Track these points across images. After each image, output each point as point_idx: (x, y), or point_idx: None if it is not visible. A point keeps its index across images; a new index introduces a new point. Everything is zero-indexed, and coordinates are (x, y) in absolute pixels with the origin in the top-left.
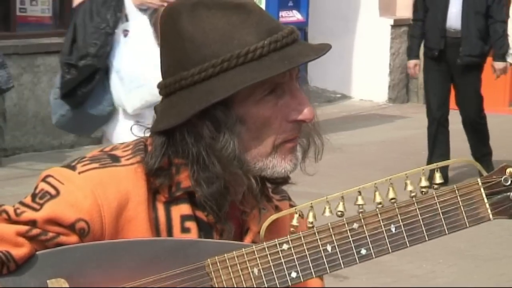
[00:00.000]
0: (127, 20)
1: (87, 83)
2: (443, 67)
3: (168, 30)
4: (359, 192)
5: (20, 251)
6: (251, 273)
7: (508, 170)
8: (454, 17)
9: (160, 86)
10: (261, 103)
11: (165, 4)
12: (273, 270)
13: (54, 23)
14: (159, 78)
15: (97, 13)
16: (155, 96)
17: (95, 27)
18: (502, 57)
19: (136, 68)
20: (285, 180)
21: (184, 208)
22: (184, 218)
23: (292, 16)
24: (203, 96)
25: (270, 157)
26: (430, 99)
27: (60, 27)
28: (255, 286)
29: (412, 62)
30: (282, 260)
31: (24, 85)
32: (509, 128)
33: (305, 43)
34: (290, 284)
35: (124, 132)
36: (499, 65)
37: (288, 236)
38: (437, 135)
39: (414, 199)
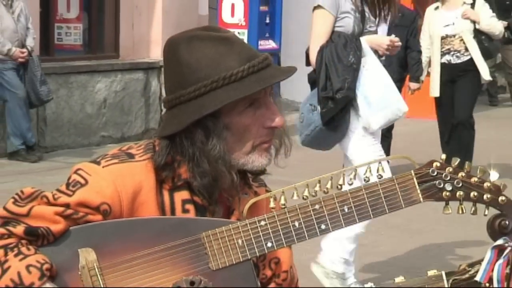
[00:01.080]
0: (363, 55)
1: (341, 110)
2: None
3: (169, 57)
4: (319, 181)
5: (57, 227)
6: (236, 243)
7: (434, 164)
8: None
9: (164, 101)
10: (243, 114)
11: (388, 52)
12: (253, 241)
13: (84, 50)
14: (399, 100)
15: (342, 54)
16: (395, 115)
17: (344, 65)
18: (417, 79)
19: (379, 93)
20: (262, 171)
21: (184, 194)
22: (184, 201)
23: (268, 44)
24: (197, 110)
25: (250, 154)
26: None
27: (88, 53)
28: (239, 253)
29: None
30: (260, 233)
31: (60, 97)
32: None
33: (277, 66)
34: (266, 251)
35: (361, 145)
36: (414, 85)
37: (265, 215)
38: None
39: (362, 186)
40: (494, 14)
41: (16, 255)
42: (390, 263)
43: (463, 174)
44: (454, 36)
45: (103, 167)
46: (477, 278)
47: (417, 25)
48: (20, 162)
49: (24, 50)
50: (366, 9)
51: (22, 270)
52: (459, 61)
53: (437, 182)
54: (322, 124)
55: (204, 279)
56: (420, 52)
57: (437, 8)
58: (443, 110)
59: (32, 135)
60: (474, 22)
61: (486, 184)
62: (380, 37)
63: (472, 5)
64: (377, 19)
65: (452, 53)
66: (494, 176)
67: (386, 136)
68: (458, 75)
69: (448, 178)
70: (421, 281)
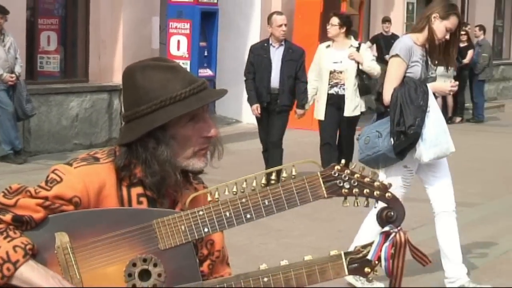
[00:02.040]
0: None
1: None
2: (267, 113)
3: (127, 81)
4: (245, 180)
5: (38, 215)
6: (180, 229)
7: (335, 167)
8: (274, 80)
9: (123, 116)
10: (185, 127)
11: (451, 93)
12: (193, 227)
13: (60, 75)
14: (449, 141)
15: (414, 97)
16: (443, 153)
17: (415, 106)
18: (302, 106)
19: (434, 133)
20: (200, 172)
21: (138, 189)
22: (139, 195)
23: (206, 72)
24: (149, 123)
25: (191, 159)
26: (262, 132)
27: (64, 78)
28: (182, 237)
29: (254, 106)
30: (199, 221)
31: (41, 113)
32: (310, 141)
33: (212, 89)
34: (203, 235)
35: (399, 171)
36: (299, 111)
37: (203, 206)
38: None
39: (279, 183)
40: (374, 58)
41: (5, 238)
42: (302, 245)
43: (358, 175)
44: (341, 72)
45: (74, 168)
46: (369, 256)
47: (304, 60)
48: (9, 164)
49: (13, 75)
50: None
51: (10, 250)
52: (342, 93)
53: (338, 181)
54: (394, 153)
55: (155, 257)
56: (306, 83)
57: (328, 46)
58: (327, 131)
59: (19, 142)
60: (358, 62)
61: (376, 183)
62: (443, 84)
63: (358, 48)
64: (435, 67)
65: (339, 85)
66: (382, 177)
67: (277, 145)
68: (340, 106)
69: (347, 178)
70: (325, 259)
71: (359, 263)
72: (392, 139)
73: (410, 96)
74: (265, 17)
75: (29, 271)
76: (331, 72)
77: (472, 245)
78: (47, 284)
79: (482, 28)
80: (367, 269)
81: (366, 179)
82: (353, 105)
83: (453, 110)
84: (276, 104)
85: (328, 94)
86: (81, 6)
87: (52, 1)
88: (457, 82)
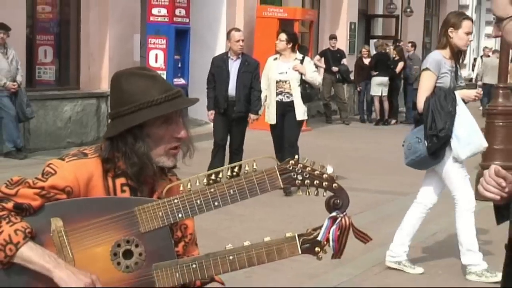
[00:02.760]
0: (457, 104)
1: (442, 145)
2: (225, 117)
3: (114, 85)
4: (214, 173)
5: (36, 203)
6: (158, 214)
7: (290, 162)
8: (231, 89)
9: (109, 114)
10: (159, 127)
11: (476, 99)
12: (169, 213)
13: (55, 84)
14: (481, 138)
15: (443, 104)
16: (478, 149)
17: (445, 112)
18: (256, 112)
19: (466, 133)
20: (174, 167)
21: (122, 180)
22: (122, 185)
23: (180, 81)
24: (128, 122)
25: (162, 157)
26: (216, 134)
27: (58, 86)
28: (160, 221)
29: (209, 112)
30: (174, 208)
31: (39, 115)
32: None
33: (186, 98)
34: (178, 220)
35: (452, 169)
36: (253, 116)
37: (177, 195)
38: (218, 153)
39: (242, 176)
40: (316, 70)
41: (7, 223)
42: (261, 228)
43: (309, 169)
44: (285, 81)
45: (66, 162)
46: (319, 238)
47: (259, 72)
48: (12, 159)
49: (15, 83)
50: (459, 69)
51: (12, 233)
52: (288, 100)
53: (292, 174)
54: (427, 153)
55: (136, 238)
56: (260, 91)
57: (275, 59)
58: (276, 133)
59: (20, 141)
60: (301, 73)
61: (324, 175)
62: (468, 90)
63: (302, 61)
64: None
65: (283, 94)
66: (329, 170)
67: (222, 152)
68: (287, 110)
69: (300, 171)
70: (281, 240)
71: (311, 244)
72: (426, 142)
73: (441, 103)
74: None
75: (28, 250)
76: (277, 82)
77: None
78: (44, 262)
79: (413, 44)
80: (317, 249)
81: (316, 172)
82: (303, 110)
83: (389, 114)
84: (233, 111)
85: (275, 101)
86: (72, 24)
87: (47, 20)
88: (481, 90)
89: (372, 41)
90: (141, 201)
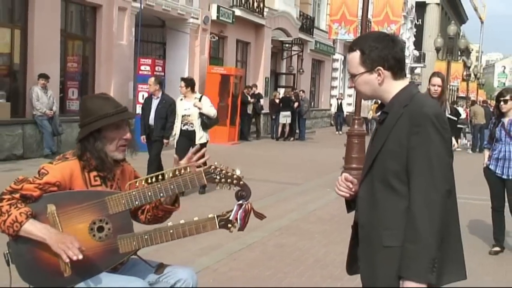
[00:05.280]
0: None
1: None
2: (148, 139)
3: (82, 103)
4: (160, 174)
5: (36, 193)
6: (121, 202)
7: (211, 166)
8: (151, 119)
9: (79, 124)
10: (112, 132)
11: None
12: (129, 201)
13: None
14: None
15: None
16: None
17: None
18: (167, 138)
19: None
20: (123, 159)
21: (94, 173)
22: (94, 176)
23: None
24: (89, 128)
25: (115, 152)
26: (148, 151)
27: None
28: (123, 206)
29: (142, 137)
30: (133, 197)
31: (67, 132)
32: (230, 153)
33: (129, 112)
34: (135, 206)
35: None
36: (165, 141)
37: (135, 189)
38: (152, 164)
39: (179, 176)
40: (212, 105)
41: (15, 208)
42: (194, 213)
43: (224, 171)
44: (189, 115)
45: (54, 165)
46: (230, 218)
47: (173, 107)
48: (49, 160)
49: (51, 111)
50: None
51: (18, 215)
52: (192, 129)
53: (213, 174)
54: None
55: (106, 218)
56: (172, 122)
57: (181, 99)
58: (181, 153)
59: (54, 147)
60: (199, 108)
61: (234, 176)
62: None
63: (200, 99)
64: None
65: (188, 124)
66: (238, 172)
67: (152, 161)
68: (192, 137)
69: (218, 173)
70: (205, 219)
71: (225, 221)
72: None
73: None
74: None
75: (29, 226)
76: (183, 116)
77: (295, 208)
78: (41, 233)
79: (303, 91)
80: (229, 225)
81: (229, 173)
82: (199, 136)
83: (289, 134)
84: (152, 136)
85: (181, 130)
86: (90, 74)
87: (74, 72)
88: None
89: (279, 89)
90: (110, 193)
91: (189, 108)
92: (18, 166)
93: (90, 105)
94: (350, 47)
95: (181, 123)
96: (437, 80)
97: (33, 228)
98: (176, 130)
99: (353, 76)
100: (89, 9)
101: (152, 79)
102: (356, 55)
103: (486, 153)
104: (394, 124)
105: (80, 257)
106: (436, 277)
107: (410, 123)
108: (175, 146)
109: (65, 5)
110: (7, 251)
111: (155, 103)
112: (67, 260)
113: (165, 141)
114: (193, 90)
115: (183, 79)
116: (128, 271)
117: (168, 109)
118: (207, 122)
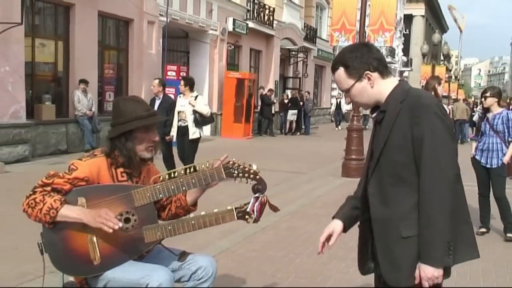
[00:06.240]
0: None
1: None
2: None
3: (115, 105)
4: (183, 169)
5: (66, 187)
6: (146, 195)
7: (230, 162)
8: None
9: (110, 123)
10: (143, 133)
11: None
12: (154, 194)
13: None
14: None
15: None
16: None
17: None
18: (168, 134)
19: None
20: (151, 158)
21: (121, 169)
22: (121, 172)
23: None
24: (122, 128)
25: (143, 151)
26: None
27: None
28: (148, 199)
29: None
30: (157, 191)
31: (105, 130)
32: (245, 146)
33: (159, 115)
34: (159, 199)
35: None
36: (167, 137)
37: (159, 183)
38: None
39: (200, 171)
40: (206, 103)
41: (49, 197)
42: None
43: (242, 167)
44: (183, 112)
45: (83, 161)
46: (248, 209)
47: (173, 107)
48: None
49: (90, 111)
50: None
51: (52, 202)
52: (184, 125)
53: (231, 169)
54: None
55: (132, 210)
56: (171, 120)
57: (180, 97)
58: (179, 147)
59: (94, 143)
60: (193, 105)
61: (251, 170)
62: None
63: (196, 98)
64: None
65: (182, 120)
66: (254, 167)
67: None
68: (185, 132)
69: (236, 167)
70: (224, 211)
71: (242, 213)
72: None
73: None
74: (210, 85)
75: (64, 211)
76: (179, 112)
77: (303, 194)
78: (76, 215)
79: (308, 92)
80: (246, 216)
81: (246, 168)
82: (192, 132)
83: (295, 129)
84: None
85: (177, 126)
86: (124, 80)
87: (110, 77)
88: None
89: (287, 91)
90: (136, 187)
91: (184, 105)
92: (62, 160)
93: (123, 107)
94: (332, 67)
95: (177, 119)
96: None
97: (68, 212)
98: (174, 127)
99: (346, 91)
100: (123, 23)
101: (156, 81)
102: (340, 72)
103: (473, 144)
104: (394, 119)
105: (120, 224)
106: (453, 259)
107: (410, 115)
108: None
109: (101, 19)
110: (41, 241)
111: (157, 103)
112: (110, 231)
113: (167, 137)
114: (191, 89)
115: (183, 78)
116: (154, 258)
117: (168, 108)
118: (199, 120)
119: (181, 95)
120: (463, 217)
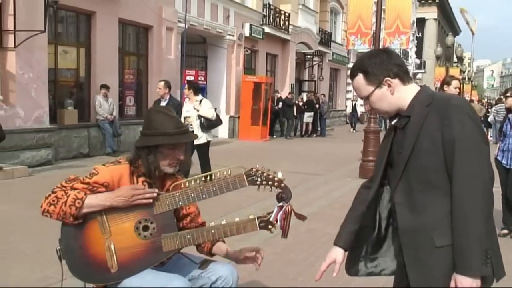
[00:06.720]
0: None
1: None
2: None
3: (147, 114)
4: (203, 176)
5: (84, 191)
6: (165, 203)
7: (253, 169)
8: None
9: (140, 131)
10: (169, 150)
11: None
12: (173, 202)
13: (135, 116)
14: None
15: None
16: None
17: None
18: None
19: None
20: (173, 174)
21: (142, 178)
22: (142, 182)
23: None
24: (148, 141)
25: (166, 166)
26: None
27: (137, 117)
28: (167, 207)
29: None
30: (176, 198)
31: (125, 134)
32: (263, 148)
33: (190, 133)
34: (179, 206)
35: None
36: None
37: (178, 191)
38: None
39: (222, 178)
40: (211, 107)
41: (71, 191)
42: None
43: (266, 174)
44: (189, 117)
45: (106, 167)
46: (271, 219)
47: (180, 108)
48: (110, 157)
49: (111, 116)
50: None
51: (76, 194)
52: (191, 129)
53: (254, 177)
54: None
55: (151, 218)
56: None
57: (186, 101)
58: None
59: (115, 147)
60: (197, 110)
61: (276, 178)
62: None
63: (200, 102)
64: None
65: (188, 125)
66: (279, 175)
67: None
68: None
69: (259, 175)
70: (246, 220)
71: (265, 223)
72: None
73: None
74: (228, 89)
75: (89, 200)
76: (185, 117)
77: (321, 196)
78: (100, 201)
79: (324, 95)
80: (269, 226)
81: (270, 176)
82: (200, 135)
83: (312, 131)
84: None
85: None
86: (144, 85)
87: (130, 83)
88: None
89: (303, 93)
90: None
91: (190, 110)
92: (84, 163)
93: (154, 118)
94: (351, 74)
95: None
96: (457, 83)
97: (94, 200)
98: None
99: (366, 99)
100: (142, 30)
101: (161, 83)
102: (359, 79)
103: (498, 145)
104: (421, 123)
105: (157, 191)
106: (492, 270)
107: (440, 118)
108: None
109: (122, 26)
110: (59, 247)
111: (163, 104)
112: (150, 201)
113: None
114: (195, 93)
115: (187, 82)
116: (174, 265)
117: (175, 109)
118: (204, 124)
119: (187, 99)
120: (493, 225)
